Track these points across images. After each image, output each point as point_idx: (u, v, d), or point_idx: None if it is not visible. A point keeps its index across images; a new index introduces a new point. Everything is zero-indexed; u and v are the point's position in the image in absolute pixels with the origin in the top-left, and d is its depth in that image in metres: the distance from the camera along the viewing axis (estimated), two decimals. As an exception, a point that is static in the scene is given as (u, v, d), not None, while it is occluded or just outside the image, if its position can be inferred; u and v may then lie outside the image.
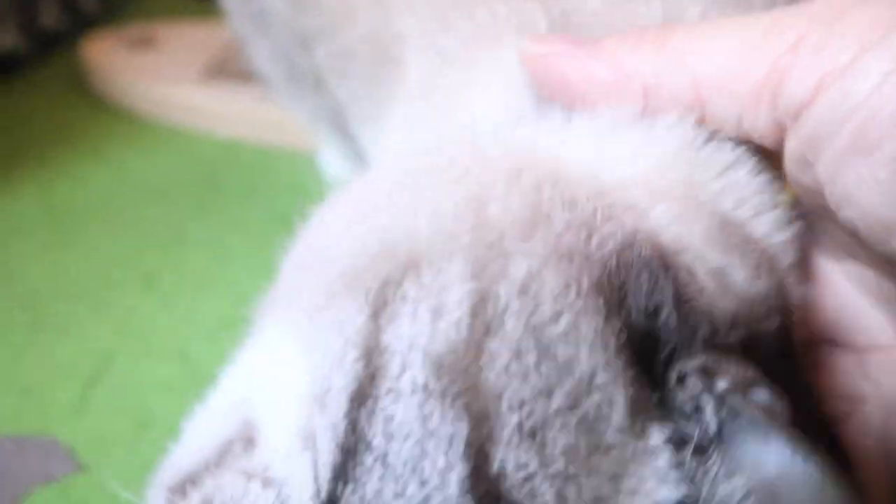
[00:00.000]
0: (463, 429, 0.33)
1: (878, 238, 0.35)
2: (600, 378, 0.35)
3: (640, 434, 0.35)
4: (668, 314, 0.37)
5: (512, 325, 0.35)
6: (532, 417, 0.34)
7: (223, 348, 0.88)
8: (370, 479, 0.33)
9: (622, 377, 0.36)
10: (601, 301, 0.36)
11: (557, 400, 0.34)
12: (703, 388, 0.35)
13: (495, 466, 0.33)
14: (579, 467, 0.34)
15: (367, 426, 0.33)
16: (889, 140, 0.32)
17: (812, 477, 0.32)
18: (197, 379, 0.82)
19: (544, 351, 0.34)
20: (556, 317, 0.35)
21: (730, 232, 0.40)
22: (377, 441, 0.33)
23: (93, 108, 1.45)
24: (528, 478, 0.33)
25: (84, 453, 0.74)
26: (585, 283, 0.36)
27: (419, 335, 0.34)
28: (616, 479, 0.34)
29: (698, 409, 0.35)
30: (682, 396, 0.36)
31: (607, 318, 0.36)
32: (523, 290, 0.35)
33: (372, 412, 0.34)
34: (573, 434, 0.34)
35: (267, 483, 0.36)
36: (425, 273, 0.36)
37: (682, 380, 0.36)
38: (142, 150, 1.32)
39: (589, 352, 0.35)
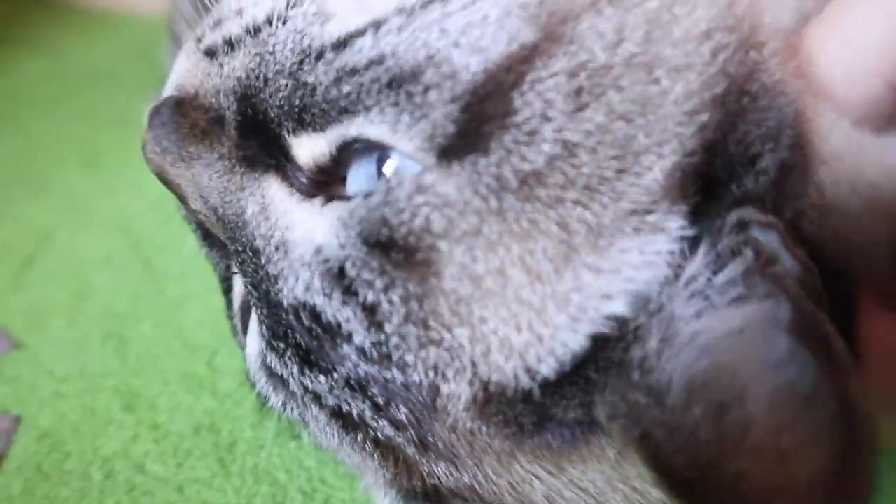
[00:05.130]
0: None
1: None
2: (668, 125, 0.34)
3: (658, 209, 0.34)
4: (766, 167, 0.34)
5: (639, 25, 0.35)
6: (596, 86, 0.34)
7: (165, 221, 0.83)
8: None
9: (682, 152, 0.34)
10: (721, 87, 0.34)
11: (627, 95, 0.34)
12: (752, 244, 0.32)
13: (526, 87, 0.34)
14: (596, 169, 0.33)
15: None
16: None
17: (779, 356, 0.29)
18: (138, 250, 0.79)
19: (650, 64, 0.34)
20: (676, 44, 0.34)
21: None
22: None
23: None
24: (549, 119, 0.33)
25: (20, 331, 0.69)
26: (722, 58, 0.35)
27: None
28: (616, 222, 0.34)
29: (733, 254, 0.33)
30: (731, 239, 0.33)
31: (713, 102, 0.34)
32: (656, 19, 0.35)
33: None
34: (611, 132, 0.34)
35: None
36: None
37: (741, 225, 0.33)
38: (80, 38, 1.26)
39: (675, 103, 0.34)
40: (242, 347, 0.45)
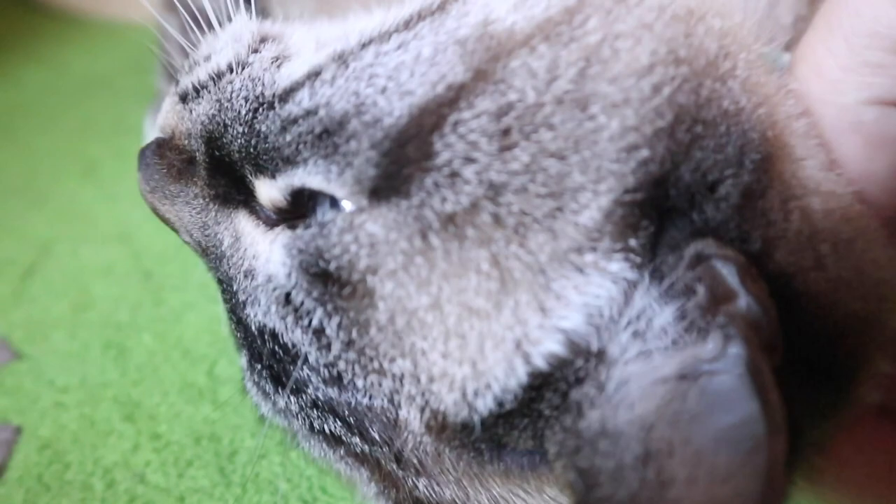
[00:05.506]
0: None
1: None
2: (603, 162, 0.33)
3: (599, 247, 0.33)
4: (727, 193, 0.33)
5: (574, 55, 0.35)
6: (526, 125, 0.33)
7: (165, 230, 0.83)
8: None
9: (620, 189, 0.33)
10: (667, 120, 0.33)
11: (559, 133, 0.33)
12: (707, 280, 0.31)
13: (448, 130, 0.34)
14: (527, 208, 0.33)
15: None
16: None
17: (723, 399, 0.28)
18: (138, 261, 0.79)
19: (583, 100, 0.33)
20: (614, 80, 0.33)
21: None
22: None
23: (26, 9, 1.38)
24: (473, 161, 0.33)
25: (21, 342, 0.69)
26: (667, 92, 0.33)
27: None
28: (554, 261, 0.33)
29: (687, 290, 0.31)
30: (685, 274, 0.32)
31: (657, 135, 0.33)
32: (599, 51, 0.34)
33: None
34: (544, 171, 0.33)
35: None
36: None
37: (698, 259, 0.31)
38: (79, 48, 1.26)
39: (610, 140, 0.33)
40: None
